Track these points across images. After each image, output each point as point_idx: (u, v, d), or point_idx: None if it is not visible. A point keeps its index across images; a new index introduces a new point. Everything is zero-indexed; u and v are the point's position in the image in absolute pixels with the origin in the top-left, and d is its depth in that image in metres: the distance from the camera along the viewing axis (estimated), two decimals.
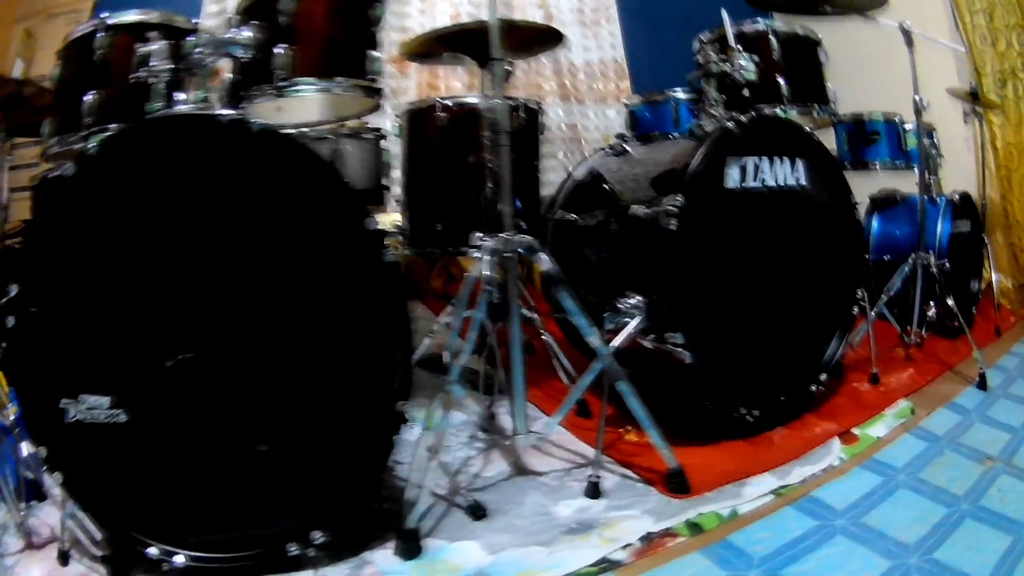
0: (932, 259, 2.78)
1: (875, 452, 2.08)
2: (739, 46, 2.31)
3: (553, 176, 3.20)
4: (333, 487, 1.51)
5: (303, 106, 2.22)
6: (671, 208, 1.93)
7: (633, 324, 1.94)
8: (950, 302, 2.74)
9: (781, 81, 2.44)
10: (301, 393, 1.49)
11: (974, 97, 3.58)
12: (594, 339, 1.84)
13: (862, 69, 4.50)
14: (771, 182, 2.15)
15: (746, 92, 2.31)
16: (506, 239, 1.81)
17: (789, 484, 1.87)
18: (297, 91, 1.89)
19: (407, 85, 4.41)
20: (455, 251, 2.63)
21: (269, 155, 1.48)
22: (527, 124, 2.76)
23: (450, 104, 2.59)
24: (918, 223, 3.02)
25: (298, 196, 1.49)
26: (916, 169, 3.31)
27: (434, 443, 1.71)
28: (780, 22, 2.62)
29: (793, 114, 2.46)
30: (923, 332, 2.94)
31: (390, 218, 4.02)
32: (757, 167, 2.12)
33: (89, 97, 1.83)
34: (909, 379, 2.64)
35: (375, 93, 2.02)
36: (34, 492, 1.68)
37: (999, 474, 1.95)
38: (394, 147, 2.89)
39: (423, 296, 4.00)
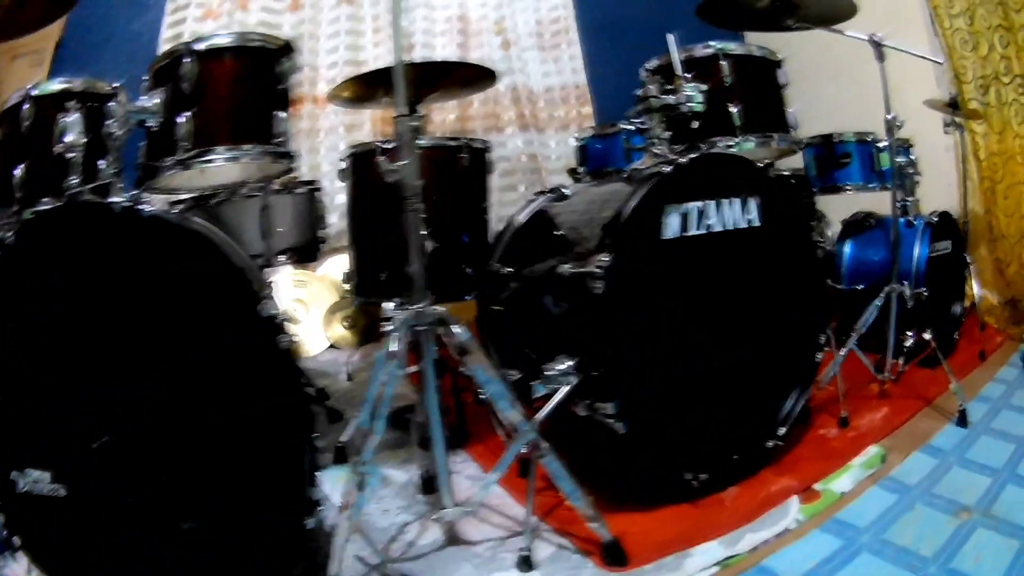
0: (907, 289, 2.60)
1: (838, 510, 1.91)
2: (687, 74, 2.14)
3: (512, 211, 3.03)
4: (251, 564, 1.53)
5: (222, 169, 2.10)
6: (595, 270, 1.76)
7: (560, 394, 1.78)
8: (927, 336, 2.55)
9: (734, 110, 2.25)
10: (213, 475, 1.51)
11: (953, 107, 3.40)
12: (512, 414, 1.71)
13: (835, 83, 4.36)
14: (718, 226, 1.96)
15: (695, 124, 2.15)
16: (418, 312, 1.70)
17: (737, 554, 1.71)
18: (204, 162, 1.81)
19: (360, 120, 4.25)
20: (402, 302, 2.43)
21: (159, 242, 1.50)
22: (473, 164, 2.60)
23: (391, 147, 2.42)
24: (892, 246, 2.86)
25: (188, 284, 1.49)
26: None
27: (349, 524, 1.58)
28: (737, 43, 2.43)
29: (749, 146, 2.28)
30: (901, 363, 2.76)
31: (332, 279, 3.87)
32: (701, 212, 1.92)
33: (18, 171, 1.81)
34: (883, 420, 2.45)
35: (284, 157, 1.96)
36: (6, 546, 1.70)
37: (975, 528, 1.79)
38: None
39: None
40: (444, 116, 4.36)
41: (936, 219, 3.03)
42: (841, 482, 2.03)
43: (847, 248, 3.16)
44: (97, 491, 1.47)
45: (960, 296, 3.32)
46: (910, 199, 3.12)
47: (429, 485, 2.01)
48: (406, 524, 1.93)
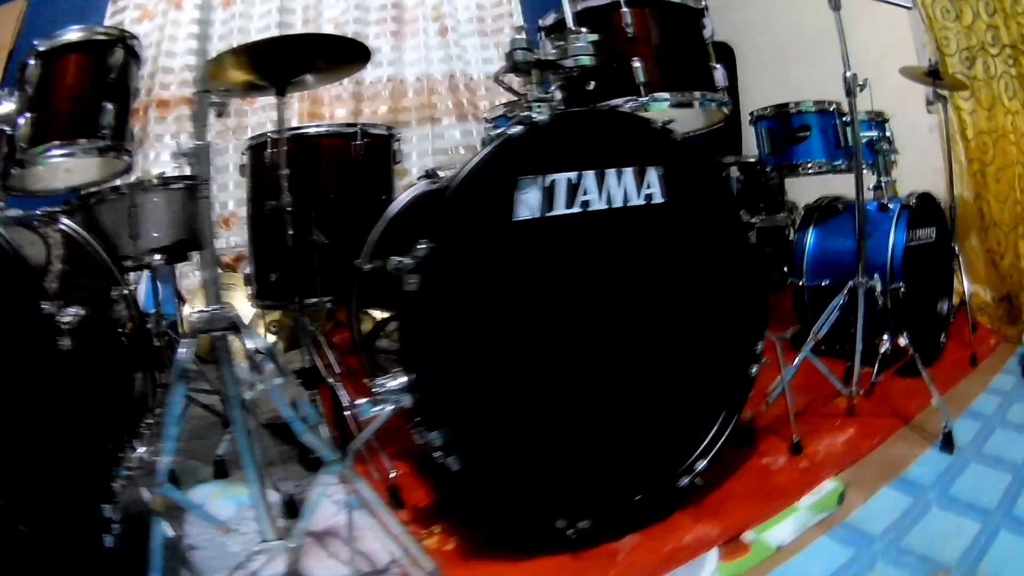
0: (877, 284, 2.07)
1: (770, 569, 1.40)
2: (582, 28, 1.65)
3: None
4: None
5: (90, 165, 2.10)
6: (406, 262, 1.27)
7: (381, 418, 1.28)
8: (903, 341, 2.03)
9: (637, 65, 1.75)
10: None
11: (934, 76, 2.88)
12: (314, 441, 1.31)
13: (805, 63, 3.88)
14: (600, 204, 1.46)
15: (592, 85, 1.71)
16: (211, 315, 1.35)
17: None
18: (47, 159, 1.85)
19: (288, 116, 3.83)
20: (295, 305, 2.12)
21: None
22: (371, 153, 2.34)
23: (280, 137, 2.07)
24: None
25: None
26: (867, 168, 2.65)
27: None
28: None
29: (661, 106, 1.78)
30: (875, 373, 2.23)
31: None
32: (575, 185, 1.43)
33: None
34: (845, 445, 1.91)
35: (113, 151, 1.90)
36: None
37: None
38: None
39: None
40: (376, 107, 3.92)
41: (916, 202, 2.50)
42: (780, 530, 1.51)
43: (809, 237, 2.62)
44: None
45: (947, 292, 2.79)
46: (886, 179, 2.61)
47: (292, 508, 1.60)
48: (255, 553, 1.51)
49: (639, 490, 1.51)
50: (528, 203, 1.38)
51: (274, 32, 4.02)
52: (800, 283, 2.57)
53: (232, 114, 3.96)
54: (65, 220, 1.83)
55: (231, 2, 4.12)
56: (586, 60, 1.59)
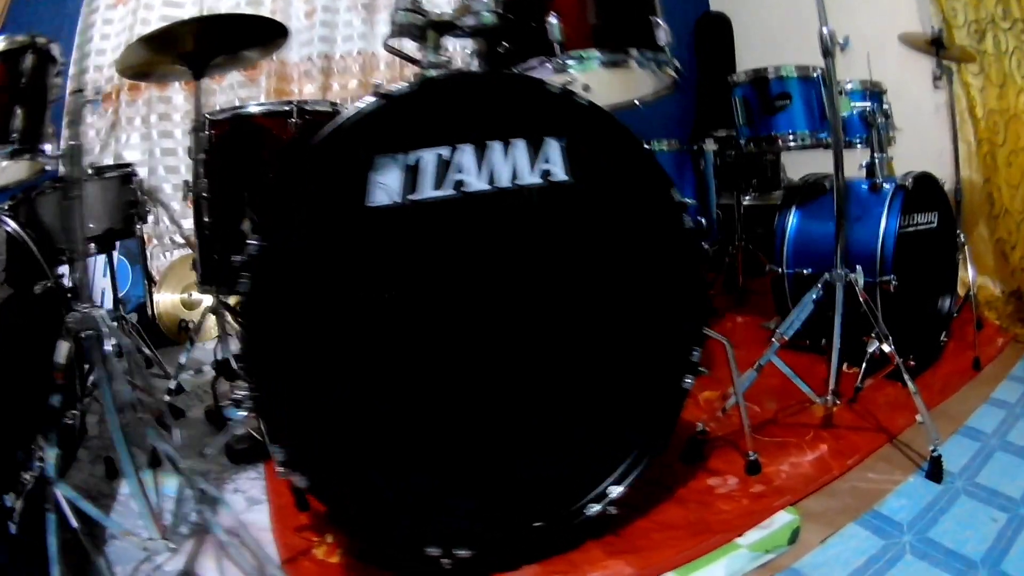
0: (859, 277, 1.73)
1: None
2: None
3: None
4: None
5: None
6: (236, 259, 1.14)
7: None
8: (887, 348, 1.69)
9: (553, 21, 1.43)
10: None
11: (938, 46, 2.51)
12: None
13: (805, 29, 3.52)
14: (481, 184, 1.16)
15: (504, 47, 1.48)
16: (83, 315, 1.28)
17: None
18: None
19: (256, 94, 3.63)
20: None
21: None
22: (310, 132, 2.05)
23: (221, 118, 1.96)
24: (850, 218, 2.00)
25: None
26: (861, 143, 2.29)
27: None
28: None
29: (591, 66, 1.46)
30: (862, 377, 1.89)
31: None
32: (446, 163, 1.14)
33: None
34: (814, 466, 1.57)
35: (31, 152, 1.75)
36: None
37: None
38: None
39: None
40: (346, 81, 3.69)
41: (913, 183, 2.13)
42: (708, 574, 1.18)
43: (791, 220, 2.26)
44: None
45: (950, 286, 2.42)
46: (879, 156, 2.25)
47: (209, 502, 1.41)
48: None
49: (538, 517, 1.21)
50: (386, 186, 1.10)
51: (244, 9, 3.79)
52: (779, 271, 2.22)
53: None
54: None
55: None
56: (488, 18, 1.34)
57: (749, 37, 4.13)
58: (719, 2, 4.31)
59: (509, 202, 1.18)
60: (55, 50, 1.91)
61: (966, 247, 2.51)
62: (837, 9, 1.93)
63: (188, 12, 3.83)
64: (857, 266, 1.77)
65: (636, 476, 1.27)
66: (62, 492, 1.23)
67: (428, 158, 1.12)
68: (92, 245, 2.41)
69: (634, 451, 1.29)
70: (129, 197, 2.44)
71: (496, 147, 1.16)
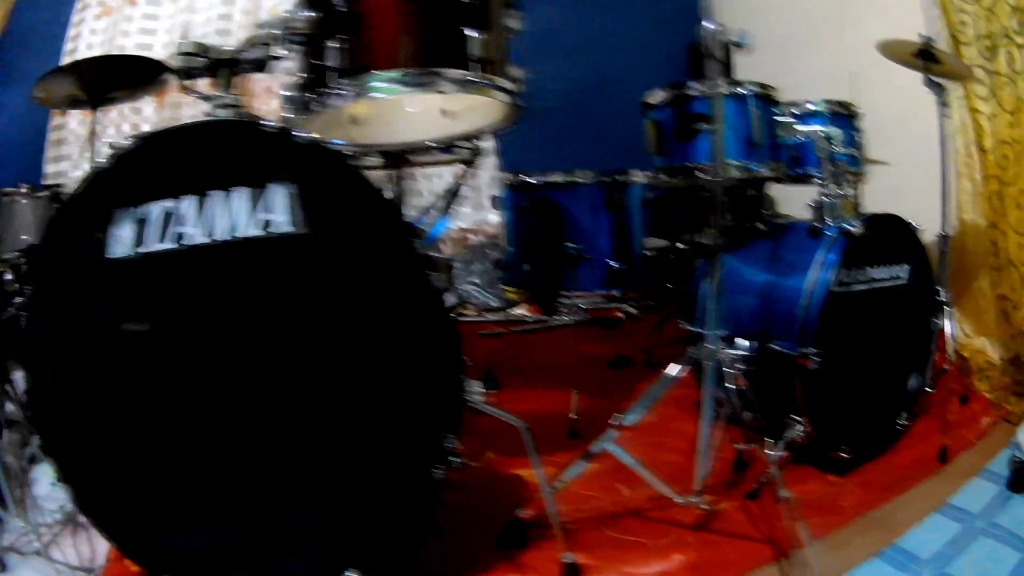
0: (742, 352, 1.30)
1: None
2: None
3: None
4: None
5: None
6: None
7: None
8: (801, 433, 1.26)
9: (332, 45, 1.18)
10: None
11: (926, 58, 2.05)
12: None
13: (806, 48, 3.13)
14: (200, 236, 1.07)
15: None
16: None
17: None
18: None
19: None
20: None
21: None
22: None
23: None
24: (778, 270, 1.58)
25: None
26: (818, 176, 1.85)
27: None
28: None
29: (392, 91, 1.13)
30: (775, 467, 1.46)
31: None
32: (170, 215, 1.08)
33: None
34: None
35: None
36: None
37: None
38: None
39: None
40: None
41: (860, 226, 1.67)
42: None
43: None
44: None
45: (922, 360, 1.92)
46: (835, 192, 1.80)
47: None
48: None
49: None
50: (122, 239, 1.08)
51: (216, 24, 3.68)
52: (690, 330, 1.79)
53: (168, 107, 3.64)
54: None
55: None
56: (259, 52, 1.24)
57: (750, 58, 3.68)
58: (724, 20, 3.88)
59: (228, 255, 1.07)
60: None
61: (951, 307, 2.02)
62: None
63: (164, 26, 3.76)
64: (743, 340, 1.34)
65: None
66: None
67: (155, 211, 1.08)
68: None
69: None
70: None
71: (217, 197, 1.07)
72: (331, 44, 1.17)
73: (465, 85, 1.20)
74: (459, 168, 1.91)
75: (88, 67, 1.96)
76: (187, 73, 1.25)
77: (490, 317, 2.78)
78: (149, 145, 1.09)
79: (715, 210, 1.35)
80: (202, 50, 1.25)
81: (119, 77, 2.00)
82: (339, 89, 1.18)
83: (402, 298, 1.07)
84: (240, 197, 1.06)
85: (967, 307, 2.39)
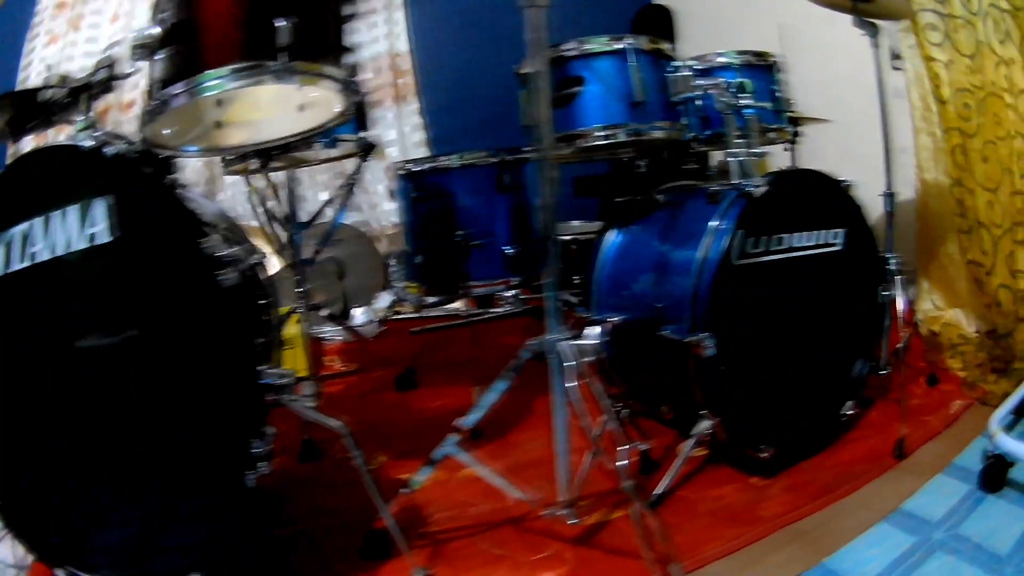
0: (590, 341, 1.05)
1: None
2: None
3: None
4: None
5: None
6: None
7: None
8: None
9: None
10: None
11: None
12: None
13: (747, 16, 2.88)
14: (46, 253, 1.10)
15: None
16: None
17: None
18: None
19: None
20: None
21: None
22: None
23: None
24: (674, 243, 1.32)
25: None
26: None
27: None
28: None
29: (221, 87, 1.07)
30: (674, 473, 1.18)
31: None
32: (26, 236, 1.12)
33: None
34: None
35: None
36: None
37: None
38: None
39: None
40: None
41: (764, 185, 1.39)
42: None
43: (608, 247, 1.56)
44: None
45: (868, 340, 1.62)
46: (738, 152, 1.52)
47: None
48: None
49: None
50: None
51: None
52: (587, 316, 1.52)
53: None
54: None
55: (116, 17, 3.73)
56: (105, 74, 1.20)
57: (692, 28, 3.44)
58: None
59: (59, 269, 1.11)
60: None
61: (903, 276, 1.72)
62: None
63: (100, 45, 3.75)
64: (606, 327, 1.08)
65: None
66: None
67: (16, 233, 1.13)
68: None
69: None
70: None
71: (56, 216, 1.11)
72: (169, 52, 1.11)
73: (287, 75, 1.08)
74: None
75: (4, 100, 1.91)
76: (56, 105, 1.28)
77: (428, 313, 2.59)
78: (11, 169, 1.16)
79: (546, 181, 1.11)
80: (62, 81, 1.28)
81: (30, 109, 1.96)
82: (174, 91, 1.10)
83: (191, 301, 1.06)
84: (72, 214, 1.10)
85: (936, 276, 2.08)
